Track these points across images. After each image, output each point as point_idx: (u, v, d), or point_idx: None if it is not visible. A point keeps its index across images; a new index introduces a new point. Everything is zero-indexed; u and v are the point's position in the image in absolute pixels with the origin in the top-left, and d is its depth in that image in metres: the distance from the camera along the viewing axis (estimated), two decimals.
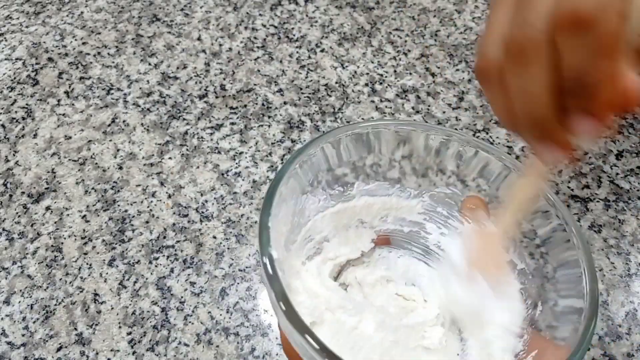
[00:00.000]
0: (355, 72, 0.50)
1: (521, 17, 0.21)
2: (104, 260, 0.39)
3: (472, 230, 0.31)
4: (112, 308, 0.37)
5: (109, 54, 0.51)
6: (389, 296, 0.31)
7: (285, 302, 0.22)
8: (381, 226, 0.33)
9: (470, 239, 0.30)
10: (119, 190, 0.42)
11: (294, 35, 0.53)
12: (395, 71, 0.51)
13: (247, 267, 0.39)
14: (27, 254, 0.39)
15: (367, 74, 0.50)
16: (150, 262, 0.39)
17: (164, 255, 0.39)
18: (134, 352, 0.35)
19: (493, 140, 0.46)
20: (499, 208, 0.29)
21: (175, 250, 0.39)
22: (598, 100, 0.21)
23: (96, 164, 0.43)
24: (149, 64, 0.50)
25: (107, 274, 0.38)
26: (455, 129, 0.47)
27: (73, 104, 0.47)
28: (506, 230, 0.28)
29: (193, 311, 0.37)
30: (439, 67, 0.51)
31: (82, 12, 0.54)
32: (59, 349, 0.35)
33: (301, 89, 0.49)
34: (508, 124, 0.25)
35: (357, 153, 0.30)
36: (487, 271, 0.28)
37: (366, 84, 0.50)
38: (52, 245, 0.39)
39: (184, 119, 0.46)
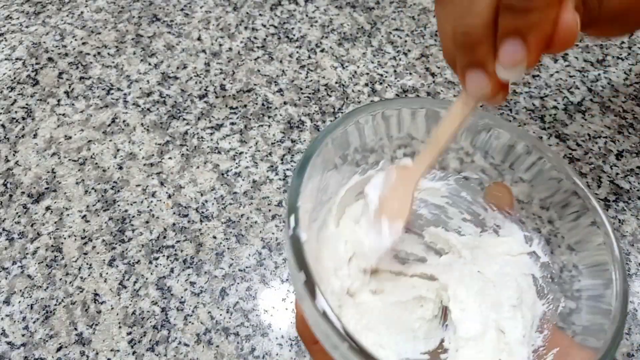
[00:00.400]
0: (355, 72, 0.50)
1: None
2: (104, 260, 0.39)
3: (391, 169, 0.29)
4: (112, 308, 0.37)
5: (109, 54, 0.51)
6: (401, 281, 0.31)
7: (312, 288, 0.21)
8: None
9: (388, 178, 0.28)
10: (119, 190, 0.42)
11: (294, 35, 0.53)
12: (395, 71, 0.51)
13: (247, 267, 0.39)
14: (27, 254, 0.39)
15: (367, 74, 0.50)
16: (150, 262, 0.39)
17: (164, 255, 0.39)
18: (134, 352, 0.35)
19: None
20: (421, 146, 0.28)
21: (175, 250, 0.39)
22: (530, 23, 0.21)
23: (96, 164, 0.43)
24: (149, 64, 0.50)
25: (107, 274, 0.38)
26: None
27: (73, 104, 0.47)
28: (422, 168, 0.27)
29: (193, 311, 0.37)
30: (439, 67, 0.51)
31: (82, 12, 0.54)
32: (59, 349, 0.35)
33: (301, 89, 0.49)
34: (446, 49, 0.24)
35: (387, 132, 0.30)
36: (390, 217, 0.27)
37: (366, 84, 0.50)
38: (52, 245, 0.39)
39: (184, 119, 0.46)
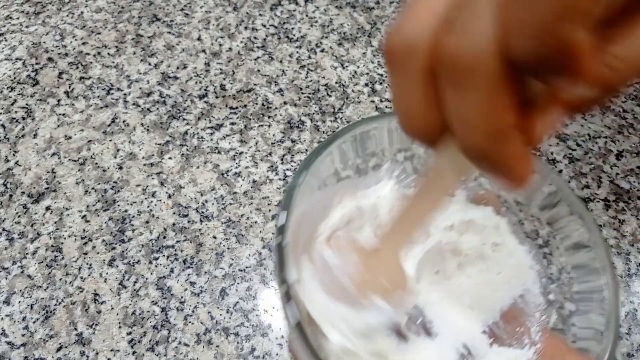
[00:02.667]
0: (355, 72, 0.50)
1: (462, 23, 0.16)
2: (104, 260, 0.39)
3: (346, 249, 0.26)
4: (112, 308, 0.37)
5: (109, 54, 0.51)
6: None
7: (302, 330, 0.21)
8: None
9: (347, 259, 0.25)
10: (119, 190, 0.42)
11: (294, 35, 0.53)
12: None
13: (247, 267, 0.39)
14: (27, 254, 0.39)
15: (367, 74, 0.50)
16: (150, 262, 0.39)
17: (164, 255, 0.39)
18: (134, 352, 0.35)
19: None
20: (387, 221, 0.24)
21: (175, 250, 0.39)
22: (577, 74, 0.15)
23: (96, 164, 0.43)
24: (149, 64, 0.50)
25: (107, 274, 0.38)
26: None
27: (73, 104, 0.47)
28: (397, 250, 0.24)
29: (193, 311, 0.37)
30: None
31: (82, 12, 0.54)
32: (59, 349, 0.35)
33: (301, 89, 0.49)
34: (423, 130, 0.19)
35: (361, 154, 0.30)
36: (382, 291, 0.24)
37: (366, 84, 0.50)
38: (52, 245, 0.39)
39: (184, 119, 0.46)
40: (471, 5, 0.15)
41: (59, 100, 0.47)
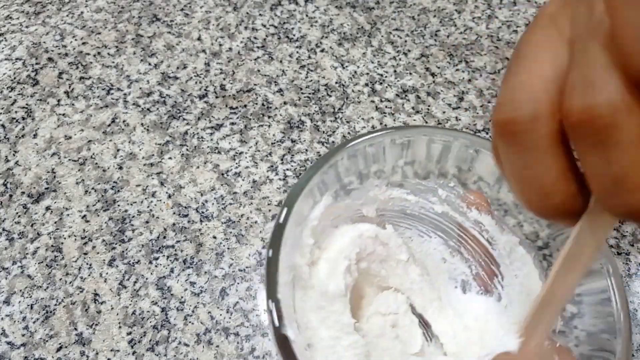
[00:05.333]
0: (355, 72, 0.50)
1: (585, 81, 0.14)
2: (104, 260, 0.39)
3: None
4: (112, 308, 0.37)
5: (109, 54, 0.51)
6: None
7: None
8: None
9: None
10: (119, 190, 0.42)
11: (294, 35, 0.53)
12: (395, 71, 0.51)
13: (247, 267, 0.39)
14: (27, 254, 0.39)
15: (367, 74, 0.50)
16: (150, 262, 0.39)
17: (164, 255, 0.39)
18: (134, 352, 0.35)
19: None
20: (524, 318, 0.22)
21: (175, 250, 0.39)
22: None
23: (96, 164, 0.43)
24: (149, 64, 0.50)
25: (107, 274, 0.38)
26: (456, 129, 0.47)
27: (73, 104, 0.47)
28: (543, 336, 0.22)
29: (193, 311, 0.37)
30: (439, 67, 0.51)
31: (82, 12, 0.54)
32: (59, 349, 0.35)
33: (301, 89, 0.49)
34: (565, 205, 0.17)
35: (362, 164, 0.30)
36: None
37: (366, 84, 0.50)
38: (52, 245, 0.39)
39: (184, 119, 0.46)
40: (588, 61, 0.14)
41: (59, 100, 0.47)
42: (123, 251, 0.39)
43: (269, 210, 0.41)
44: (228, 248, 0.39)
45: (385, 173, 0.31)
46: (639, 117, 0.14)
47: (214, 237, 0.40)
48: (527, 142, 0.16)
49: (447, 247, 0.33)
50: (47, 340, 0.35)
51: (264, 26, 0.54)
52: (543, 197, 0.17)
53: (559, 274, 0.20)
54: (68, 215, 0.41)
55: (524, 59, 0.16)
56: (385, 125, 0.46)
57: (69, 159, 0.44)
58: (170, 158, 0.44)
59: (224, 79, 0.49)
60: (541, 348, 0.22)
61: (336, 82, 0.50)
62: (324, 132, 0.46)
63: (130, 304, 0.37)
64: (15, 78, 0.49)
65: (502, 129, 0.17)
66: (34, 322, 0.36)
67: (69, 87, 0.48)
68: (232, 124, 0.46)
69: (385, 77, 0.50)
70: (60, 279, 0.38)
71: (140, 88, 0.48)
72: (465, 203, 0.31)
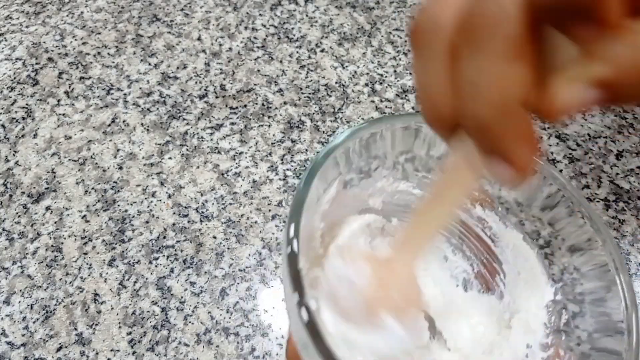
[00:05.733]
0: (355, 72, 0.50)
1: None
2: (104, 260, 0.39)
3: (363, 259, 0.25)
4: (112, 308, 0.37)
5: (109, 54, 0.51)
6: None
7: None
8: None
9: (356, 272, 0.23)
10: (119, 190, 0.42)
11: (294, 35, 0.53)
12: (395, 71, 0.51)
13: (247, 267, 0.39)
14: (27, 254, 0.39)
15: (367, 74, 0.50)
16: (150, 262, 0.39)
17: (164, 255, 0.39)
18: (134, 352, 0.35)
19: None
20: (402, 220, 0.23)
21: (175, 250, 0.39)
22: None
23: (96, 164, 0.43)
24: (149, 64, 0.50)
25: (107, 274, 0.38)
26: None
27: (73, 104, 0.47)
28: (414, 255, 0.23)
29: (193, 311, 0.37)
30: None
31: (82, 12, 0.54)
32: (59, 349, 0.35)
33: (301, 89, 0.49)
34: (441, 115, 0.18)
35: (365, 157, 0.30)
36: (395, 308, 0.22)
37: (366, 84, 0.50)
38: (52, 245, 0.39)
39: (184, 119, 0.46)
40: None
41: (59, 100, 0.47)
42: (123, 251, 0.39)
43: (269, 210, 0.41)
44: (228, 248, 0.39)
45: (396, 163, 0.31)
46: (518, 26, 0.14)
47: (214, 237, 0.40)
48: (426, 49, 0.17)
49: (449, 245, 0.33)
50: (47, 340, 0.35)
51: (264, 26, 0.54)
52: (428, 101, 0.18)
53: (432, 198, 0.20)
54: (68, 215, 0.41)
55: None
56: None
57: (69, 159, 0.44)
58: (170, 158, 0.44)
59: (224, 79, 0.49)
60: (408, 270, 0.22)
61: (336, 82, 0.50)
62: (324, 132, 0.46)
63: (130, 304, 0.37)
64: (15, 78, 0.49)
65: (412, 34, 0.18)
66: (34, 322, 0.36)
67: (69, 87, 0.48)
68: (232, 124, 0.46)
69: (385, 77, 0.50)
70: (60, 279, 0.38)
71: (140, 88, 0.48)
72: (469, 199, 0.31)
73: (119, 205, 0.41)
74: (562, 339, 0.26)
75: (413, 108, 0.48)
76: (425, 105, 0.18)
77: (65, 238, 0.40)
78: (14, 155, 0.44)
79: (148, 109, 0.47)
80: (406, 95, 0.49)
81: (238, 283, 0.38)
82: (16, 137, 0.45)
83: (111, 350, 0.35)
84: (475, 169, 0.18)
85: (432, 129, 0.18)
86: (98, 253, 0.39)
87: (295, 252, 0.21)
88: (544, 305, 0.28)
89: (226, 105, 0.48)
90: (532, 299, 0.28)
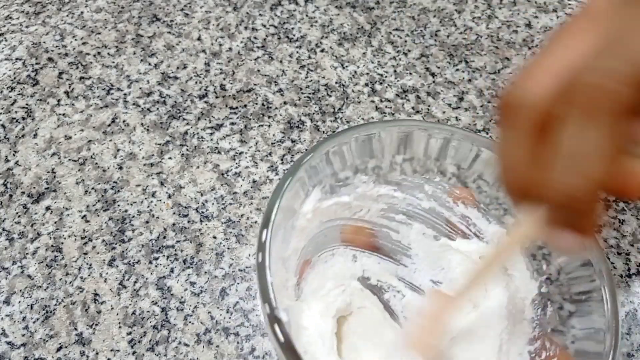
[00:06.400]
0: (355, 72, 0.50)
1: (608, 62, 0.16)
2: (104, 260, 0.39)
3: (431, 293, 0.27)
4: (112, 308, 0.37)
5: (109, 54, 0.51)
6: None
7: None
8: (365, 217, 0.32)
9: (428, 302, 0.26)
10: (119, 190, 0.42)
11: (294, 35, 0.53)
12: (395, 71, 0.51)
13: (247, 267, 0.39)
14: (27, 254, 0.39)
15: (367, 74, 0.50)
16: (150, 262, 0.39)
17: (164, 255, 0.39)
18: (134, 352, 0.35)
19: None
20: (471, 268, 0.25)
21: (175, 250, 0.39)
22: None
23: (96, 164, 0.43)
24: (149, 64, 0.50)
25: (107, 274, 0.38)
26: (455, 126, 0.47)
27: (73, 104, 0.47)
28: (461, 301, 0.25)
29: (193, 311, 0.37)
30: (439, 67, 0.51)
31: (82, 12, 0.54)
32: (59, 349, 0.35)
33: (301, 89, 0.49)
34: (523, 190, 0.19)
35: (359, 157, 0.30)
36: (421, 351, 0.24)
37: (366, 84, 0.50)
38: (52, 245, 0.39)
39: (184, 119, 0.46)
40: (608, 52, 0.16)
41: (59, 100, 0.47)
42: (123, 251, 0.39)
43: None
44: (228, 248, 0.39)
45: (382, 169, 0.31)
46: (624, 98, 0.15)
47: (214, 237, 0.40)
48: (513, 123, 0.19)
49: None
50: (47, 340, 0.35)
51: (264, 26, 0.54)
52: (510, 171, 0.19)
53: (494, 256, 0.23)
54: (68, 215, 0.41)
55: (551, 44, 0.19)
56: None
57: (69, 159, 0.44)
58: (170, 158, 0.44)
59: (224, 79, 0.49)
60: (447, 316, 0.24)
61: (336, 82, 0.50)
62: (324, 132, 0.46)
63: (130, 304, 0.37)
64: (15, 78, 0.49)
65: (501, 107, 0.19)
66: (34, 322, 0.36)
67: (69, 87, 0.48)
68: (232, 124, 0.46)
69: (385, 77, 0.50)
70: (60, 279, 0.38)
71: (140, 88, 0.48)
72: (451, 198, 0.31)
73: (119, 205, 0.41)
74: (548, 332, 0.27)
75: (413, 108, 0.48)
76: (506, 174, 0.19)
77: (65, 238, 0.40)
78: (14, 155, 0.44)
79: (148, 109, 0.47)
80: (406, 95, 0.49)
81: (238, 283, 0.38)
82: (16, 137, 0.45)
83: (111, 350, 0.35)
84: (538, 236, 0.20)
85: (509, 195, 0.20)
86: (98, 253, 0.39)
87: (264, 263, 0.22)
88: (530, 299, 0.28)
89: (226, 105, 0.48)
90: (518, 294, 0.29)
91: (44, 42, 0.52)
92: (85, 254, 0.39)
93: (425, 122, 0.32)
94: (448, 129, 0.29)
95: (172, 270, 0.38)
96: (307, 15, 0.55)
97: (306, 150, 0.45)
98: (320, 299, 0.29)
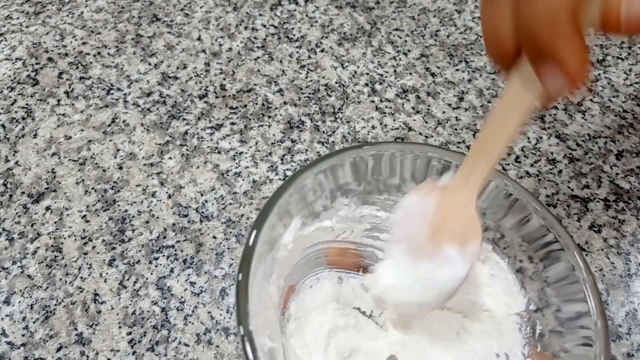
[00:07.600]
0: (355, 72, 0.50)
1: None
2: (104, 260, 0.39)
3: (421, 194, 0.25)
4: (112, 308, 0.37)
5: (109, 54, 0.51)
6: None
7: None
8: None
9: (422, 204, 0.24)
10: (119, 190, 0.42)
11: (294, 35, 0.53)
12: (395, 71, 0.51)
13: None
14: (27, 254, 0.39)
15: (367, 74, 0.50)
16: (150, 262, 0.39)
17: (164, 255, 0.39)
18: (134, 352, 0.35)
19: None
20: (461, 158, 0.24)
21: (175, 250, 0.39)
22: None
23: (96, 164, 0.43)
24: (149, 64, 0.50)
25: (107, 274, 0.38)
26: (454, 130, 0.47)
27: (73, 104, 0.47)
28: (478, 183, 0.23)
29: (193, 311, 0.37)
30: (439, 67, 0.51)
31: (82, 12, 0.54)
32: (59, 349, 0.35)
33: (301, 89, 0.49)
34: (503, 45, 0.20)
35: (336, 184, 0.30)
36: (455, 239, 0.23)
37: (366, 84, 0.50)
38: (52, 245, 0.39)
39: (184, 119, 0.46)
40: None
41: (59, 100, 0.47)
42: (123, 251, 0.39)
43: None
44: (228, 248, 0.39)
45: (363, 191, 0.30)
46: None
47: (214, 237, 0.40)
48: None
49: None
50: (47, 340, 0.35)
51: (264, 26, 0.54)
52: (492, 38, 0.21)
53: (491, 127, 0.22)
54: (68, 215, 0.41)
55: None
56: (385, 125, 0.47)
57: (69, 159, 0.44)
58: (170, 158, 0.44)
59: (224, 79, 0.49)
60: (469, 199, 0.23)
61: (336, 82, 0.50)
62: (324, 132, 0.46)
63: (130, 304, 0.37)
64: (15, 78, 0.49)
65: None
66: (34, 322, 0.36)
67: (69, 87, 0.48)
68: (232, 124, 0.46)
69: (385, 77, 0.50)
70: (60, 279, 0.38)
71: (140, 88, 0.48)
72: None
73: (119, 205, 0.41)
74: (537, 350, 0.27)
75: (413, 108, 0.48)
76: (489, 39, 0.21)
77: (65, 238, 0.40)
78: (14, 155, 0.44)
79: (148, 109, 0.47)
80: (406, 95, 0.49)
81: None
82: (16, 137, 0.45)
83: (111, 350, 0.35)
84: (533, 93, 0.20)
85: (495, 61, 0.21)
86: (98, 253, 0.39)
87: (246, 310, 0.22)
88: (515, 313, 0.29)
89: (226, 105, 0.48)
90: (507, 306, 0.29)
91: (44, 42, 0.52)
92: (85, 254, 0.39)
93: (400, 144, 0.32)
94: (422, 148, 0.28)
95: (172, 270, 0.38)
96: (307, 15, 0.55)
97: (306, 150, 0.45)
98: (307, 327, 0.29)
